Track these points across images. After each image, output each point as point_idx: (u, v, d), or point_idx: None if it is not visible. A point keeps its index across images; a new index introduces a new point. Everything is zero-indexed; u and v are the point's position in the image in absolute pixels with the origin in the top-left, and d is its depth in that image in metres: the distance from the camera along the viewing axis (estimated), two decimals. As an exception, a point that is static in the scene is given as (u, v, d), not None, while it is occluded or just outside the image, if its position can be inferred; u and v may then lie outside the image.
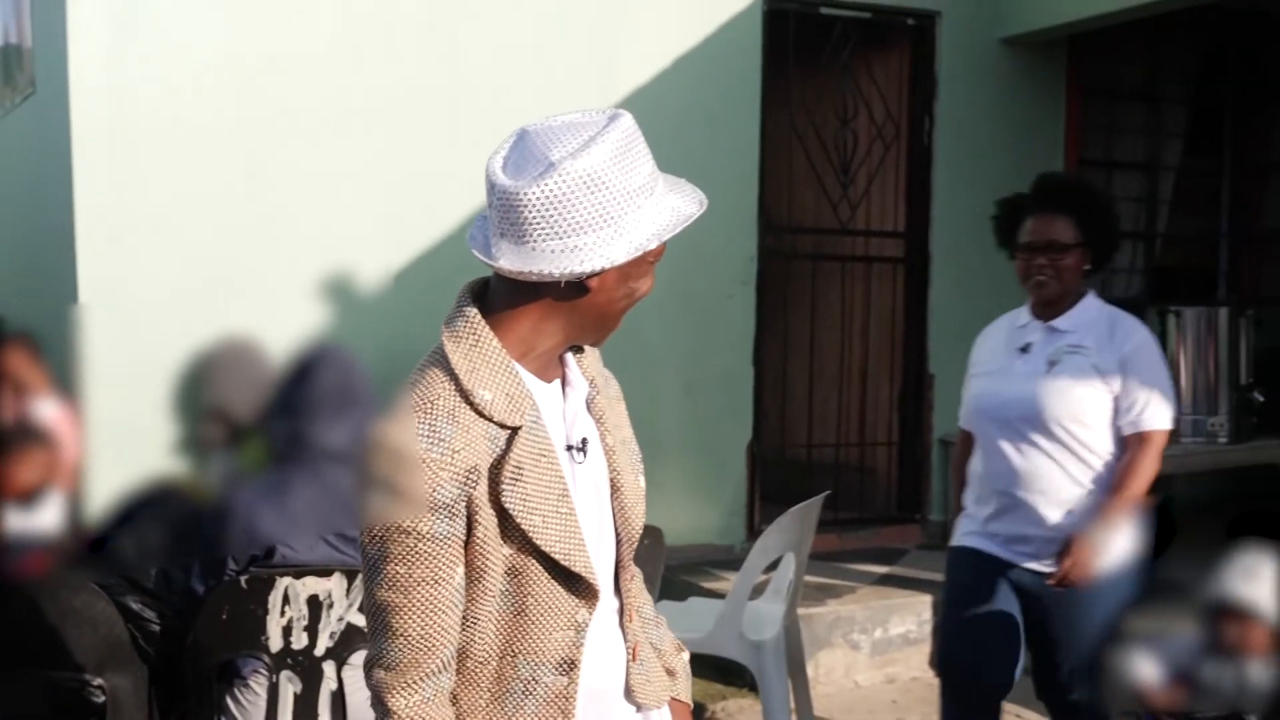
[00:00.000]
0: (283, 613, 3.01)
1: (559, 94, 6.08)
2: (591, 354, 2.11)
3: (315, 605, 3.03)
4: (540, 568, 1.91)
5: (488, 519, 1.87)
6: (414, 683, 1.86)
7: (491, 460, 1.87)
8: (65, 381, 4.92)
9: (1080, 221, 3.70)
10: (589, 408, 2.07)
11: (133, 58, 5.37)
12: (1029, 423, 3.68)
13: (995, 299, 7.24)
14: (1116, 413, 3.65)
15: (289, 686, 3.04)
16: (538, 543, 1.89)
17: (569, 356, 2.05)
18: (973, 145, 7.19)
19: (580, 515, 1.97)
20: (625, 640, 2.12)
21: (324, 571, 3.02)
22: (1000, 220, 3.91)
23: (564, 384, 2.03)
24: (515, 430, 1.89)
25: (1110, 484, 3.65)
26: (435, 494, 1.82)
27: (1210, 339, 6.74)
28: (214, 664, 3.05)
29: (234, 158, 5.56)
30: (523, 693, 1.94)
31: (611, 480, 2.07)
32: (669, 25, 6.40)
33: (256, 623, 3.01)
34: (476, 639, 1.92)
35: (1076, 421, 3.63)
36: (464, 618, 1.90)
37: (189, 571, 3.04)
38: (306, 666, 3.05)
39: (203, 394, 4.01)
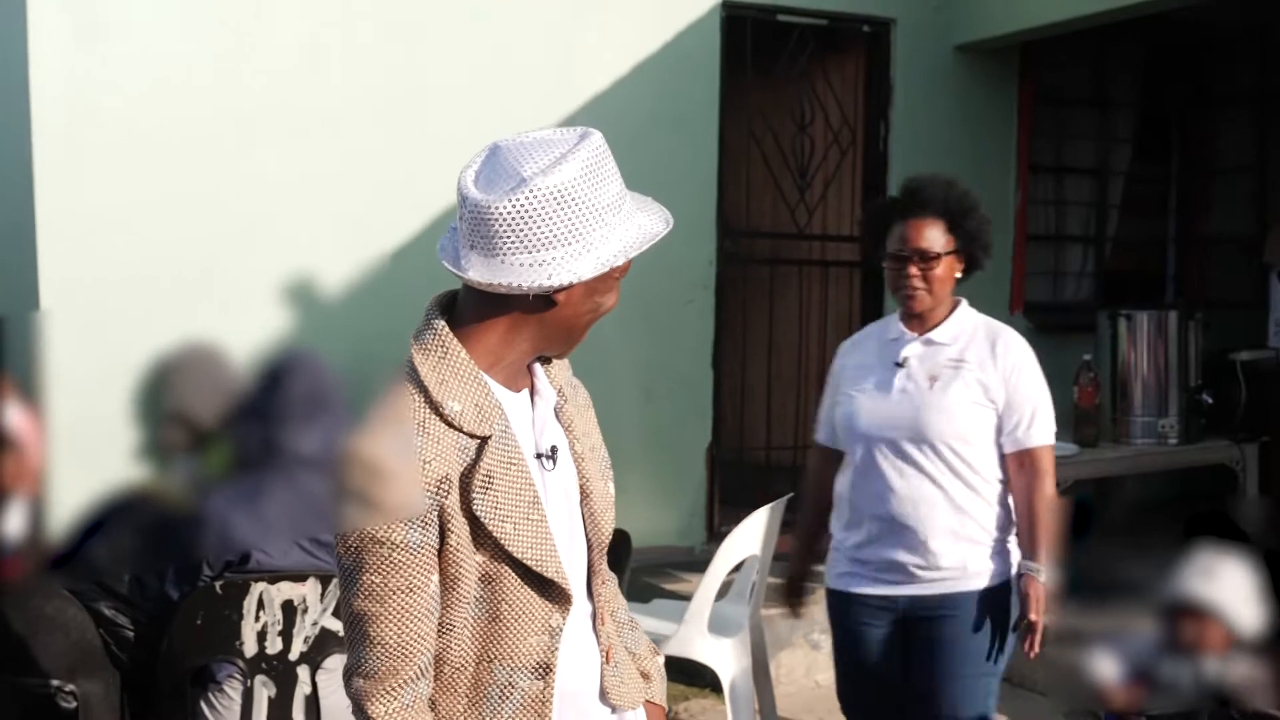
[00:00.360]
0: (257, 618, 3.03)
1: (520, 100, 6.11)
2: (559, 363, 2.15)
3: (290, 610, 3.05)
4: (513, 574, 1.95)
5: (460, 527, 1.90)
6: (392, 690, 1.88)
7: (462, 470, 1.91)
8: (27, 386, 4.90)
9: (951, 227, 3.46)
10: (557, 416, 2.11)
11: (94, 64, 5.36)
12: (912, 442, 3.45)
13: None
14: (999, 430, 3.48)
15: (263, 691, 3.06)
16: (510, 549, 1.93)
17: (536, 366, 2.09)
18: (927, 150, 7.26)
19: (551, 521, 2.01)
20: (599, 643, 2.15)
21: (298, 577, 3.04)
22: (867, 227, 3.67)
23: (532, 393, 2.07)
24: (485, 440, 1.93)
25: (1017, 516, 3.50)
26: (407, 502, 1.85)
27: (1160, 342, 6.85)
28: (188, 669, 3.06)
29: (196, 163, 5.56)
30: (499, 697, 1.97)
31: (581, 487, 2.12)
32: (628, 31, 6.44)
33: (231, 628, 3.03)
34: (453, 645, 1.95)
35: (961, 440, 3.44)
36: (440, 624, 1.94)
37: (163, 577, 3.05)
38: (281, 671, 3.07)
39: (165, 399, 4.01)
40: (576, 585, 2.08)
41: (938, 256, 3.43)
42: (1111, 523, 6.69)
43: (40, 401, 5.05)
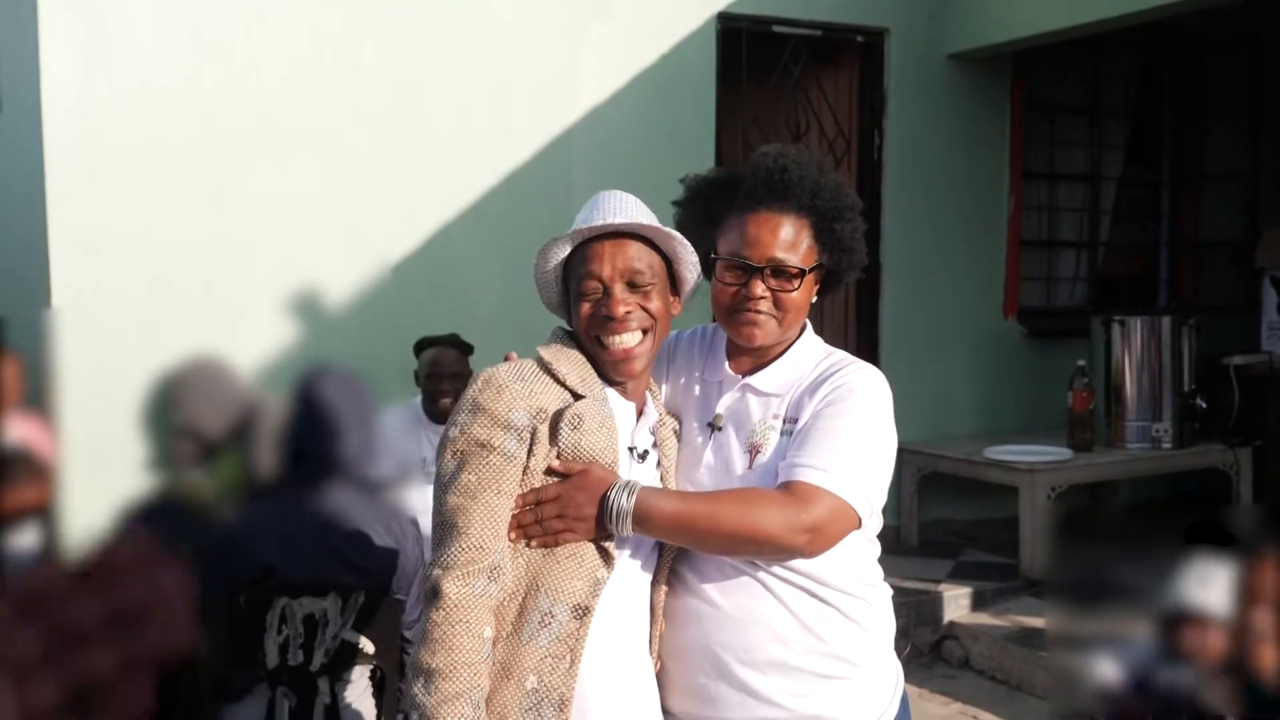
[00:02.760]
0: (279, 631, 3.09)
1: (520, 113, 6.19)
2: (660, 396, 2.53)
3: (311, 624, 3.11)
4: None
5: (544, 454, 2.22)
6: (467, 576, 2.14)
7: (558, 408, 2.24)
8: (37, 389, 4.93)
9: (820, 232, 2.44)
10: (656, 434, 2.42)
11: (103, 77, 5.40)
12: None
13: (944, 307, 7.46)
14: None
15: (284, 702, 3.11)
16: None
17: (648, 394, 2.45)
18: (921, 158, 7.37)
19: None
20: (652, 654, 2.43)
21: (320, 591, 3.10)
22: (689, 212, 2.54)
23: (640, 409, 2.40)
24: (581, 397, 2.27)
25: None
26: (510, 415, 2.20)
27: (1154, 346, 6.93)
28: (212, 680, 3.12)
29: (203, 175, 5.60)
30: (539, 624, 2.21)
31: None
32: (625, 44, 6.50)
33: (254, 640, 3.09)
34: (511, 567, 2.22)
35: None
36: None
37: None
38: (302, 683, 3.13)
39: (173, 413, 4.06)
40: (639, 588, 2.36)
41: (800, 274, 2.40)
42: (1107, 527, 6.76)
43: (51, 407, 5.10)
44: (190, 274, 5.60)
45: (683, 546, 2.36)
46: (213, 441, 3.63)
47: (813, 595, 2.38)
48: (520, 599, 2.21)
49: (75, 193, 5.40)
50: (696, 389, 2.52)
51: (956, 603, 6.26)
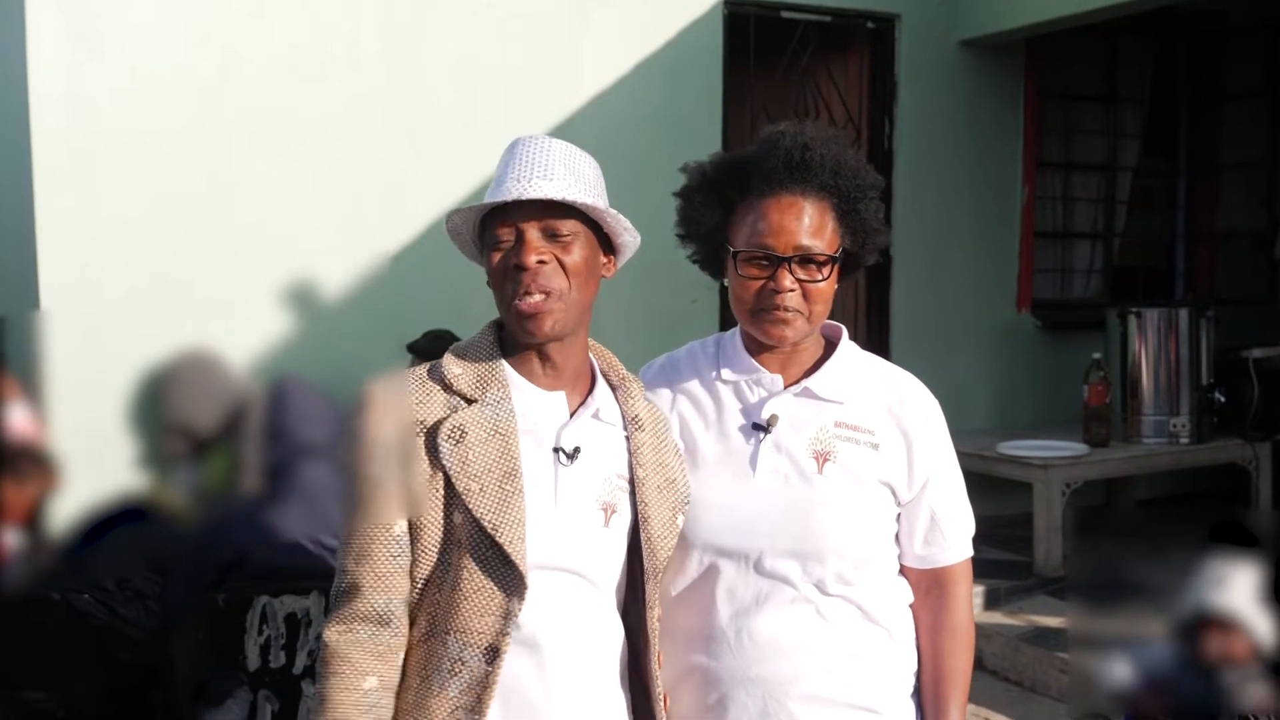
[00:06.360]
0: (260, 631, 3.01)
1: (523, 100, 6.08)
2: (637, 392, 2.25)
3: (293, 624, 3.03)
4: (474, 541, 1.99)
5: (427, 474, 1.99)
6: (346, 619, 1.98)
7: (440, 419, 2.01)
8: (28, 389, 4.86)
9: (844, 213, 2.26)
10: (628, 442, 2.17)
11: (93, 68, 5.31)
12: (792, 557, 2.22)
13: (956, 299, 7.35)
14: (900, 533, 2.34)
15: (267, 706, 3.04)
16: (471, 508, 1.98)
17: (601, 388, 2.18)
18: (932, 146, 7.26)
19: (554, 515, 2.04)
20: (653, 684, 2.16)
21: (301, 590, 3.02)
22: (695, 197, 2.34)
23: (579, 401, 2.14)
24: (471, 402, 2.04)
25: (919, 663, 2.37)
26: (377, 433, 1.99)
27: (1171, 339, 6.82)
28: (191, 683, 3.04)
29: (195, 168, 5.51)
30: (449, 672, 2.00)
31: (640, 513, 2.14)
32: (630, 30, 6.40)
33: (234, 641, 3.00)
34: (418, 605, 2.02)
35: (865, 560, 2.26)
36: (410, 577, 2.01)
37: (166, 590, 3.02)
38: (284, 685, 3.05)
39: (163, 409, 3.98)
40: (604, 600, 2.13)
41: (829, 261, 2.21)
42: (1124, 523, 6.65)
43: (40, 403, 5.02)
44: (184, 268, 5.51)
45: (682, 560, 2.27)
46: (204, 437, 3.54)
47: (864, 613, 2.27)
48: (429, 643, 2.01)
49: (64, 185, 5.31)
50: (720, 389, 2.33)
51: (969, 601, 6.14)
